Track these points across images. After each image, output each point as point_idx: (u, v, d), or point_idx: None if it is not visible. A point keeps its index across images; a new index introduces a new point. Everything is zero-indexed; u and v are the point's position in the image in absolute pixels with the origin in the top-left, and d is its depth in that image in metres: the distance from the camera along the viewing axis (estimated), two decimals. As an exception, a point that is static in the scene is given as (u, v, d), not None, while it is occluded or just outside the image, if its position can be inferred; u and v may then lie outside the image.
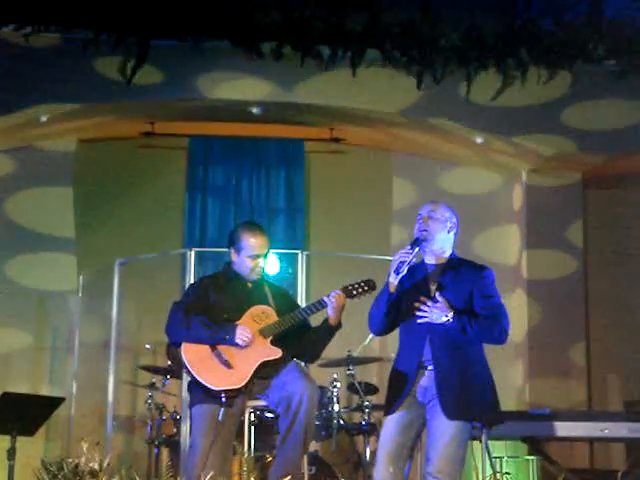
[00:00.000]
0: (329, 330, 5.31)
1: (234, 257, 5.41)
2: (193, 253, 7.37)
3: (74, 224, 8.69)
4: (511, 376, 8.58)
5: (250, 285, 5.42)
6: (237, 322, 5.24)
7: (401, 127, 8.51)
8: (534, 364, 8.54)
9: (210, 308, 5.29)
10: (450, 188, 8.96)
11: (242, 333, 5.17)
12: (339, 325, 5.30)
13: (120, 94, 7.88)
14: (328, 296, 5.27)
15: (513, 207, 9.01)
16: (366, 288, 5.30)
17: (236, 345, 5.17)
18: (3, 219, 8.52)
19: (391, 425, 4.80)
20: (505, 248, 8.96)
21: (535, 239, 8.74)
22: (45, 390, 8.19)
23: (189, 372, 5.20)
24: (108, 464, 4.08)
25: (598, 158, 8.56)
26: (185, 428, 6.55)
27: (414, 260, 4.85)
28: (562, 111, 8.17)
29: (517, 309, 8.56)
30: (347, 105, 8.15)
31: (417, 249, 4.83)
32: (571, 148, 8.35)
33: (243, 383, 5.14)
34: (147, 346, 7.97)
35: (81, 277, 8.21)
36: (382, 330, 5.00)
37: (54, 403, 6.61)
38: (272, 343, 5.23)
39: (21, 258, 8.51)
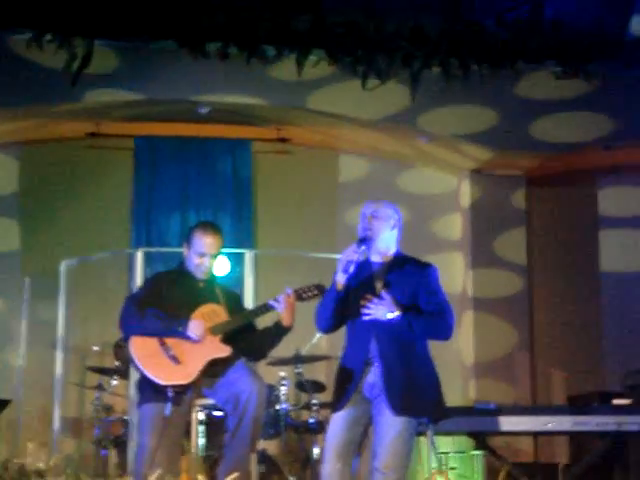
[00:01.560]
0: (280, 331, 5.35)
1: (185, 253, 5.46)
2: (141, 253, 7.35)
3: (19, 225, 8.64)
4: (456, 372, 8.69)
5: (202, 284, 5.45)
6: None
7: (346, 127, 8.56)
8: (480, 360, 8.66)
9: (162, 303, 5.30)
10: (397, 187, 9.04)
11: (195, 326, 5.20)
12: (290, 327, 5.35)
13: (65, 95, 7.85)
14: (276, 299, 5.31)
15: (460, 204, 9.12)
16: (316, 292, 5.35)
17: (188, 338, 5.19)
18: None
19: (338, 422, 4.82)
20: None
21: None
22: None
23: (137, 367, 5.20)
24: (55, 464, 4.07)
25: (539, 158, 8.70)
26: (133, 428, 6.53)
27: (361, 258, 4.89)
28: (505, 111, 8.29)
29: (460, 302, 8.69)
30: (293, 105, 8.18)
31: (363, 247, 4.86)
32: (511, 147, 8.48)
33: (191, 379, 5.15)
34: (95, 348, 7.94)
35: (27, 279, 8.15)
36: (329, 328, 5.03)
37: (0, 405, 6.56)
38: (221, 341, 5.26)
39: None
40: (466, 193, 9.05)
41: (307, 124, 8.60)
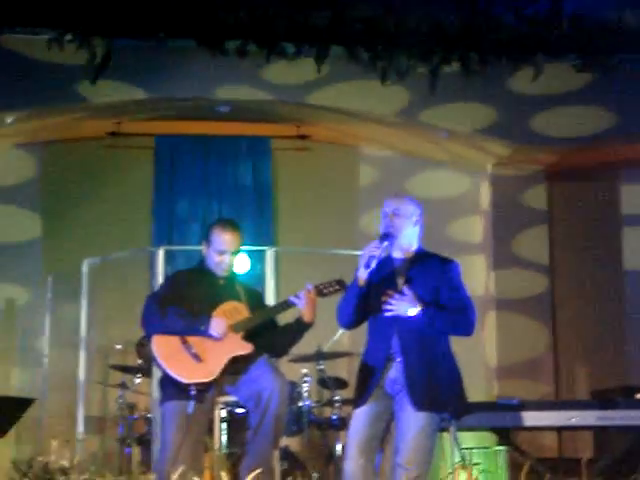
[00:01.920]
0: (301, 327, 5.35)
1: (204, 251, 5.46)
2: (162, 251, 7.36)
3: (41, 226, 8.69)
4: (480, 372, 8.68)
5: (222, 282, 5.45)
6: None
7: (366, 124, 8.55)
8: (502, 352, 8.64)
9: (183, 301, 5.30)
10: (417, 184, 9.02)
11: (217, 324, 5.20)
12: (311, 323, 5.34)
13: (85, 94, 7.88)
14: (296, 295, 5.31)
15: (480, 202, 9.10)
16: (337, 287, 5.35)
17: (210, 336, 5.19)
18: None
19: (360, 417, 4.82)
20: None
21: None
22: (15, 391, 8.16)
23: (159, 365, 5.21)
24: (78, 462, 4.09)
25: (559, 152, 8.65)
26: (156, 426, 6.55)
27: (382, 254, 4.89)
28: (526, 106, 8.27)
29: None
30: (312, 102, 8.18)
31: (386, 244, 4.86)
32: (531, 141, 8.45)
33: (213, 377, 5.16)
34: (118, 346, 7.97)
35: (50, 278, 8.18)
36: (351, 323, 5.03)
37: (25, 404, 6.58)
38: (243, 339, 5.27)
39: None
40: (485, 194, 9.02)
41: (326, 121, 8.60)
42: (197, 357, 5.17)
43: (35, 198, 8.76)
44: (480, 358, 8.75)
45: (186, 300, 5.32)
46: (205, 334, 5.20)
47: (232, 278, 5.50)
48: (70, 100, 7.96)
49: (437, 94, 7.98)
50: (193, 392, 5.10)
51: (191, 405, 5.09)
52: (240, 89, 8.06)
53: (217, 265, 5.41)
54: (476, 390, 7.66)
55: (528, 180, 8.92)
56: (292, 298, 5.32)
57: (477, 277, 8.86)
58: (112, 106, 8.18)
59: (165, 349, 5.21)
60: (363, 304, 4.92)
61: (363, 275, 4.84)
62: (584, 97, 8.26)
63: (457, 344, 4.94)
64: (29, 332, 8.48)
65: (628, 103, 8.27)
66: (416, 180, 9.04)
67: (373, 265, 4.82)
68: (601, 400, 6.81)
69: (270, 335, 5.38)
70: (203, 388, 5.15)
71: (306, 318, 5.31)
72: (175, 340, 5.22)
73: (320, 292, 5.33)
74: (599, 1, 7.97)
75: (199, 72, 7.95)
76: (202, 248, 5.49)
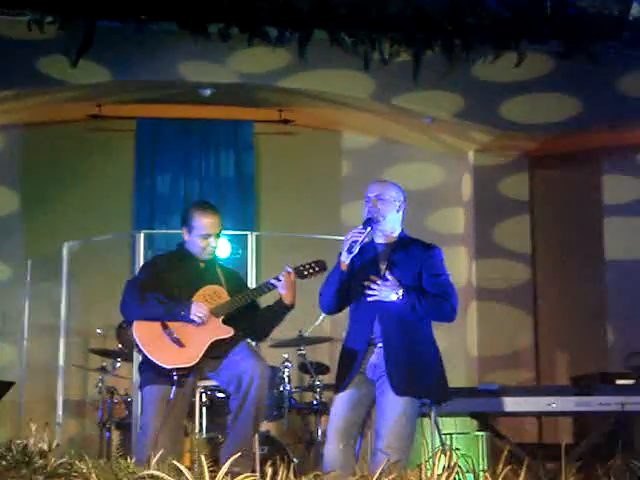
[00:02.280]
0: (281, 309, 5.34)
1: (186, 236, 5.42)
2: (142, 235, 7.33)
3: (21, 208, 8.64)
4: (460, 352, 8.70)
5: (202, 265, 5.43)
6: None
7: (348, 109, 8.54)
8: (484, 339, 8.66)
9: (163, 287, 5.28)
10: (398, 172, 9.01)
11: (198, 309, 5.19)
12: (292, 305, 5.34)
13: (66, 77, 7.83)
14: (276, 277, 5.30)
15: (461, 188, 9.11)
16: (317, 269, 5.34)
17: (191, 322, 5.18)
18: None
19: (341, 402, 4.82)
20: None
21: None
22: (-6, 375, 8.13)
23: (140, 351, 5.19)
24: (58, 445, 4.07)
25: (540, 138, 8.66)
26: (136, 410, 6.54)
27: (365, 239, 4.88)
28: (508, 91, 8.27)
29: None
30: (295, 86, 8.16)
31: (369, 229, 4.85)
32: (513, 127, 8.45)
33: (194, 362, 5.14)
34: (98, 331, 7.94)
35: (29, 261, 8.14)
36: (333, 308, 5.02)
37: (3, 388, 6.56)
38: (223, 322, 5.25)
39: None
40: (467, 184, 9.00)
41: (308, 106, 8.57)
42: (179, 342, 5.16)
43: (16, 180, 8.70)
44: (462, 345, 8.76)
45: (166, 285, 5.30)
46: (186, 319, 5.18)
47: (212, 261, 5.48)
48: (51, 82, 7.91)
49: (420, 80, 7.98)
50: (175, 377, 5.09)
51: (173, 391, 5.08)
52: (222, 72, 8.02)
53: (202, 249, 5.38)
54: (457, 376, 7.69)
55: (509, 169, 8.90)
56: (272, 280, 5.30)
57: (459, 267, 8.82)
58: (93, 88, 8.12)
59: (146, 335, 5.19)
60: (345, 289, 4.91)
61: (346, 260, 4.84)
62: (561, 84, 8.26)
63: (439, 331, 4.94)
64: (8, 315, 8.43)
65: (612, 89, 8.28)
66: (398, 169, 9.01)
67: (356, 250, 4.81)
68: (580, 386, 6.84)
69: (251, 318, 5.37)
70: (185, 373, 5.13)
71: (286, 300, 5.30)
72: (156, 326, 5.20)
73: (300, 274, 5.32)
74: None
75: (181, 55, 7.91)
76: (182, 233, 5.46)
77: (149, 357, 5.14)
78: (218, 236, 5.43)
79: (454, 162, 9.09)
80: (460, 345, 8.72)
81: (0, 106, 8.13)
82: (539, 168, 9.08)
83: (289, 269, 5.29)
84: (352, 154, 9.13)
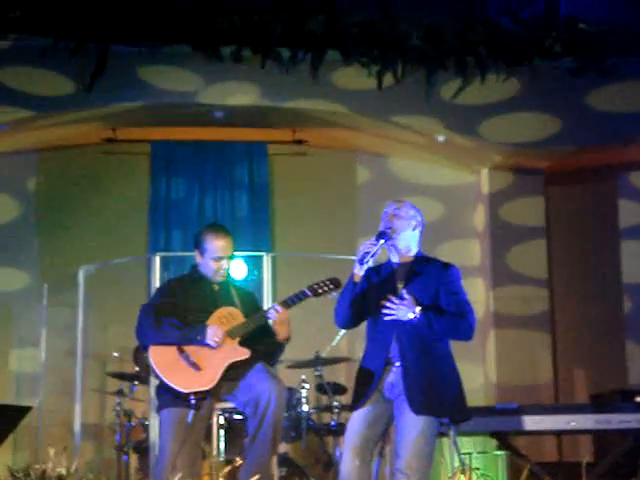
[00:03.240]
0: (276, 344, 5.35)
1: (199, 259, 5.43)
2: (158, 258, 7.33)
3: (36, 233, 8.66)
4: (478, 371, 8.65)
5: (216, 287, 5.43)
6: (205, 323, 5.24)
7: (362, 128, 8.54)
8: (501, 358, 8.59)
9: (177, 310, 5.29)
10: (415, 186, 9.00)
11: (213, 333, 5.18)
12: (286, 340, 5.33)
13: (80, 101, 7.87)
14: (269, 309, 5.30)
15: (477, 198, 9.07)
16: (331, 286, 5.32)
17: (207, 346, 5.17)
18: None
19: (357, 419, 4.80)
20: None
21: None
22: (12, 400, 8.13)
23: (157, 376, 5.18)
24: (76, 469, 4.06)
25: (559, 153, 8.62)
26: (154, 433, 6.52)
27: (379, 252, 4.85)
28: (520, 108, 8.27)
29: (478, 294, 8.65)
30: (309, 107, 8.17)
31: (382, 241, 4.83)
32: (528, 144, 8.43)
33: (212, 384, 5.13)
34: (115, 354, 7.94)
35: (46, 286, 8.15)
36: (347, 322, 5.00)
37: (21, 412, 6.56)
38: (239, 344, 5.24)
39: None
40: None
41: (322, 126, 8.58)
42: (195, 366, 5.15)
43: (31, 205, 8.72)
44: (480, 367, 8.70)
45: (181, 308, 5.31)
46: (201, 344, 5.17)
47: (226, 283, 5.49)
48: (65, 107, 7.94)
49: (434, 97, 8.00)
50: (193, 401, 5.08)
51: (191, 414, 5.06)
52: (235, 94, 8.04)
53: (216, 272, 5.39)
54: (475, 395, 7.64)
55: (524, 190, 8.84)
56: (269, 313, 5.28)
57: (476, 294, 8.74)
58: (107, 112, 8.15)
59: (162, 360, 5.18)
60: (360, 304, 4.90)
61: (358, 272, 4.83)
62: (580, 100, 8.25)
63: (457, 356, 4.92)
64: (25, 339, 8.44)
65: (626, 105, 8.27)
66: (415, 180, 9.02)
67: (369, 261, 4.80)
68: (599, 404, 6.80)
69: (266, 340, 5.34)
70: (202, 396, 5.12)
71: (279, 337, 5.30)
72: (172, 350, 5.19)
73: (314, 292, 5.30)
74: (594, 4, 7.98)
75: (194, 78, 7.93)
76: (195, 256, 5.46)
77: (166, 382, 5.13)
78: (231, 258, 5.43)
79: (470, 173, 9.06)
80: (477, 364, 8.66)
81: (14, 133, 8.16)
82: (555, 186, 9.04)
83: (278, 308, 5.26)
84: (366, 174, 9.12)
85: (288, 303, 5.27)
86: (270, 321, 5.28)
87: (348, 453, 4.77)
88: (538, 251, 8.80)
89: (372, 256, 4.80)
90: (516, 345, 8.61)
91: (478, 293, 8.73)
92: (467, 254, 8.93)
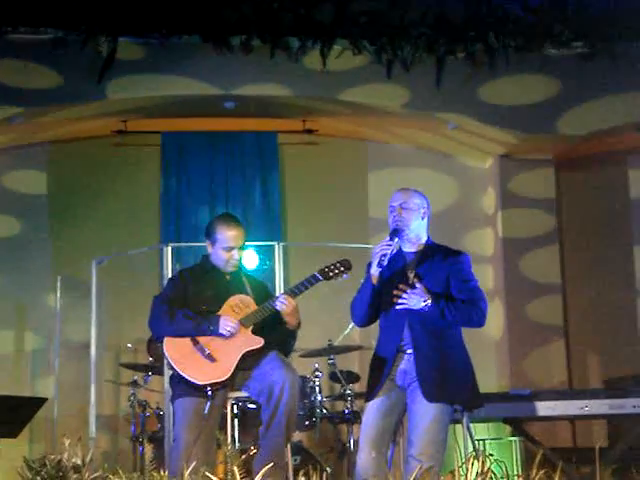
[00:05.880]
0: (288, 331, 5.36)
1: (210, 249, 5.44)
2: (170, 249, 7.35)
3: (49, 225, 8.69)
4: (491, 357, 8.65)
5: (228, 277, 5.44)
6: (217, 313, 5.26)
7: (372, 116, 8.53)
8: (514, 344, 8.59)
9: (189, 300, 5.31)
10: (425, 175, 9.00)
11: (226, 323, 5.19)
12: (296, 326, 5.35)
13: (91, 94, 7.88)
14: (275, 300, 5.29)
15: (488, 184, 9.06)
16: (342, 268, 5.31)
17: (220, 336, 5.19)
18: None
19: (372, 411, 4.82)
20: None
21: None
22: (27, 391, 8.17)
23: (173, 369, 5.20)
24: (91, 459, 4.09)
25: (570, 139, 8.60)
26: (169, 423, 6.55)
27: (394, 250, 4.88)
28: (530, 95, 8.25)
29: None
30: (318, 95, 8.17)
31: (397, 240, 4.87)
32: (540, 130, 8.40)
33: (227, 375, 5.15)
34: (129, 345, 7.97)
35: (59, 277, 8.18)
36: (365, 321, 5.03)
37: (36, 404, 6.59)
38: (253, 332, 5.26)
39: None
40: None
41: (333, 114, 8.58)
42: (211, 357, 5.16)
43: (43, 197, 8.75)
44: (493, 353, 8.71)
45: (193, 299, 5.32)
46: (215, 334, 5.19)
47: (238, 272, 5.49)
48: (76, 99, 7.96)
49: (444, 85, 7.99)
50: (209, 392, 5.10)
51: (207, 406, 5.08)
52: (245, 84, 8.04)
53: (227, 262, 5.40)
54: (488, 383, 7.64)
55: (537, 175, 8.83)
56: (275, 304, 5.27)
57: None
58: (118, 105, 8.16)
59: (177, 352, 5.20)
60: (377, 301, 4.92)
61: (376, 273, 4.85)
62: (593, 86, 8.23)
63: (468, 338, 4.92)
64: (39, 331, 8.49)
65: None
66: (426, 169, 9.02)
67: (385, 262, 4.81)
68: (614, 389, 6.80)
69: (279, 329, 5.35)
70: (218, 387, 5.14)
71: (289, 325, 5.32)
72: (186, 342, 5.21)
73: (326, 275, 5.29)
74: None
75: (204, 68, 7.94)
76: (206, 246, 5.47)
77: (183, 375, 5.15)
78: (242, 248, 5.44)
79: (478, 173, 9.05)
80: (490, 349, 8.67)
81: (26, 124, 8.18)
82: (566, 171, 9.03)
83: (282, 299, 5.24)
84: (378, 161, 9.12)
85: (295, 292, 5.28)
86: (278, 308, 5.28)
87: (364, 444, 4.79)
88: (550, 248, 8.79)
89: (389, 256, 4.81)
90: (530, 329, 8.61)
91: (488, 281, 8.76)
92: (478, 241, 8.94)
